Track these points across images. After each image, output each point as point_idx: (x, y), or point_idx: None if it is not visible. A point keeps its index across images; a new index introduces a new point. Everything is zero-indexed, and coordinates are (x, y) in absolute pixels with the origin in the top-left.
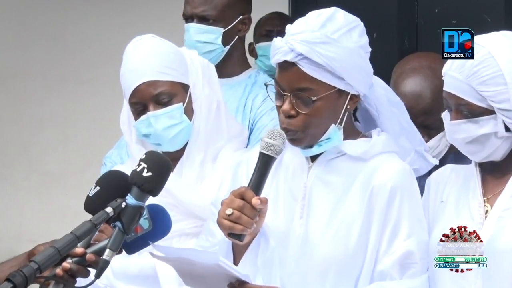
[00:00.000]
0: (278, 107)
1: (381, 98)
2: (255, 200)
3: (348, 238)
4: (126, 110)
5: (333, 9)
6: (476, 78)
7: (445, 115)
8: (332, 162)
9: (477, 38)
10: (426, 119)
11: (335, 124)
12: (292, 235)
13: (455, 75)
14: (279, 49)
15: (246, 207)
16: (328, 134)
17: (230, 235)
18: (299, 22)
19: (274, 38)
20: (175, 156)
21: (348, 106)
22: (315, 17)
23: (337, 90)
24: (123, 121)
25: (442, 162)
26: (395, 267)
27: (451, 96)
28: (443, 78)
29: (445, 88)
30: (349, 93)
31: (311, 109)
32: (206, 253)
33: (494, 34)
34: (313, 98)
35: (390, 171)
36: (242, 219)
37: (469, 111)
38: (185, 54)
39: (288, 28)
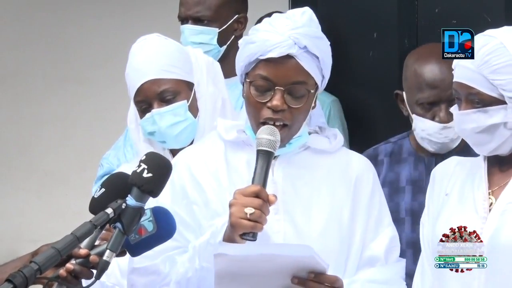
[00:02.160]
0: (261, 104)
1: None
2: (272, 198)
3: (340, 227)
4: (133, 109)
5: (307, 8)
6: (487, 67)
7: (454, 108)
8: (295, 157)
9: (488, 31)
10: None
11: (305, 121)
12: (269, 231)
13: (467, 64)
14: (280, 43)
15: (265, 205)
16: (300, 132)
17: (245, 234)
18: (285, 19)
19: (266, 34)
20: None
21: (313, 104)
22: (300, 14)
23: (317, 86)
24: (130, 120)
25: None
26: (383, 252)
27: (461, 86)
28: (453, 71)
29: (455, 78)
30: (317, 91)
31: (303, 104)
32: (298, 246)
33: (505, 27)
34: (311, 91)
35: (365, 162)
36: (262, 218)
37: (479, 100)
38: (190, 52)
39: (276, 24)
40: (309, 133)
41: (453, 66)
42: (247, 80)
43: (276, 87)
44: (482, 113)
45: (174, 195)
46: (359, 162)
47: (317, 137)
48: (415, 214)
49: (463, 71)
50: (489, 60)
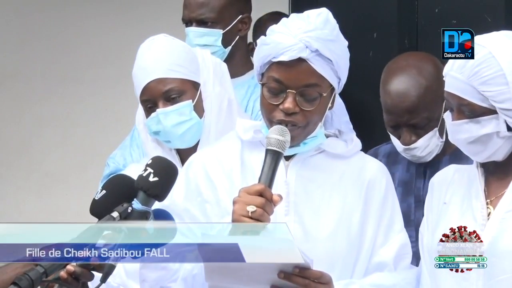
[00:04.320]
0: (274, 106)
1: (338, 99)
2: (276, 197)
3: (349, 230)
4: (141, 110)
5: (324, 9)
6: (477, 78)
7: (447, 116)
8: (310, 159)
9: (478, 38)
10: (411, 118)
11: (321, 122)
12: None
13: (456, 75)
14: (291, 47)
15: (268, 204)
16: (315, 132)
17: None
18: (299, 20)
19: (279, 36)
20: (188, 154)
21: (330, 105)
22: (315, 16)
23: (332, 88)
24: (138, 120)
25: (437, 164)
26: (392, 258)
27: (452, 97)
28: (444, 78)
29: (446, 88)
30: (334, 92)
31: (316, 106)
32: None
33: (495, 34)
34: (324, 94)
35: (379, 167)
36: (264, 216)
37: (470, 111)
38: (197, 53)
39: (290, 25)
40: (328, 136)
41: (444, 74)
42: (261, 81)
43: (288, 90)
44: (474, 123)
45: (188, 192)
46: (373, 167)
47: (334, 140)
48: (404, 216)
49: (453, 81)
50: (478, 71)
